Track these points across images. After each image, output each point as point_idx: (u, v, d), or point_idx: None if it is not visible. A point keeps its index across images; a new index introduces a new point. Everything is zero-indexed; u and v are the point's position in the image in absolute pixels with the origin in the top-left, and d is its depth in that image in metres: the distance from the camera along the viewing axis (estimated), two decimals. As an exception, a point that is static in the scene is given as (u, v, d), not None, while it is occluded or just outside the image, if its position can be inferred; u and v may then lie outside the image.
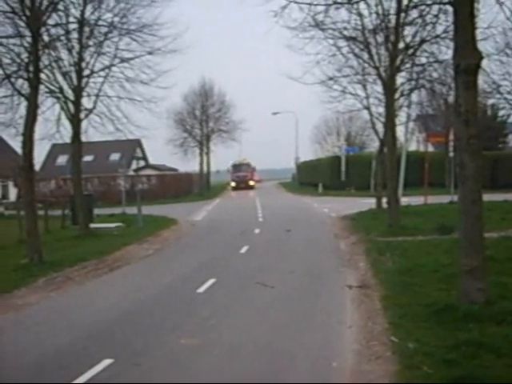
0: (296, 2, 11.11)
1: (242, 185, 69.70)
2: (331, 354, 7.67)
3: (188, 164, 71.26)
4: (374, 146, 49.77)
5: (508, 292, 9.61)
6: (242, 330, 8.98)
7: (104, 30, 22.08)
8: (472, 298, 8.64)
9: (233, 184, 70.64)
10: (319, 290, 11.82)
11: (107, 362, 7.50)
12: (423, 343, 7.35)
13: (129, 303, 11.27)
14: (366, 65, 23.21)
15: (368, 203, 30.29)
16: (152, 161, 68.07)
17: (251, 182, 71.02)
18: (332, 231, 22.72)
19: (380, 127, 25.80)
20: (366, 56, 22.23)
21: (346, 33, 20.88)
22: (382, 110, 24.00)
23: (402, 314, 8.79)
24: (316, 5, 11.94)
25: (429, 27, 19.30)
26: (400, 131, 31.33)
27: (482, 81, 31.45)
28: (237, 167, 72.01)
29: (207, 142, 63.82)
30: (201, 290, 12.11)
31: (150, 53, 22.59)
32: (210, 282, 12.83)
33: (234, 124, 64.75)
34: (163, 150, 66.04)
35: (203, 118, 63.60)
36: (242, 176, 70.95)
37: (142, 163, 65.03)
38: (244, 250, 18.16)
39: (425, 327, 8.08)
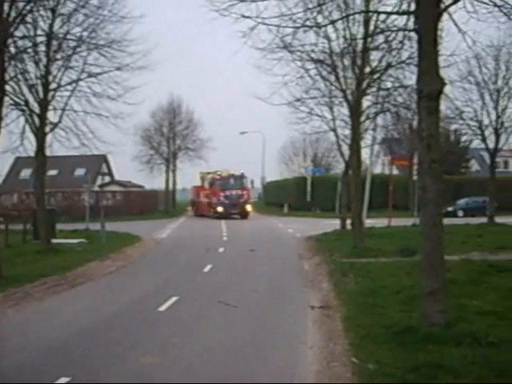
0: (264, 24, 11.21)
1: (235, 210, 47.90)
2: (291, 375, 7.64)
3: (154, 181, 69.13)
4: (339, 167, 50.09)
5: (468, 314, 9.74)
6: (203, 349, 8.90)
7: (72, 44, 21.91)
8: (432, 319, 8.73)
9: (220, 209, 47.65)
10: (282, 310, 11.81)
11: (64, 380, 7.34)
12: (383, 364, 7.38)
13: (88, 320, 11.07)
14: (332, 87, 23.50)
15: (333, 224, 30.49)
16: (118, 177, 67.40)
17: (248, 207, 49.31)
18: (296, 251, 22.79)
19: (346, 149, 26.05)
20: (333, 79, 22.52)
21: (313, 55, 21.21)
22: (348, 132, 24.28)
23: (364, 335, 8.82)
24: (284, 27, 12.04)
25: (394, 53, 19.69)
26: (365, 154, 31.72)
27: (445, 107, 32.22)
28: (225, 182, 48.88)
29: (174, 159, 63.60)
30: (162, 308, 11.99)
31: (118, 68, 22.51)
32: (173, 300, 12.70)
33: (202, 142, 64.62)
34: (129, 167, 65.57)
35: (170, 135, 63.43)
36: (235, 196, 48.22)
37: (107, 179, 64.51)
38: (207, 268, 18.08)
39: (385, 348, 8.11)
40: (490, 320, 9.37)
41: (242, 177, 50.35)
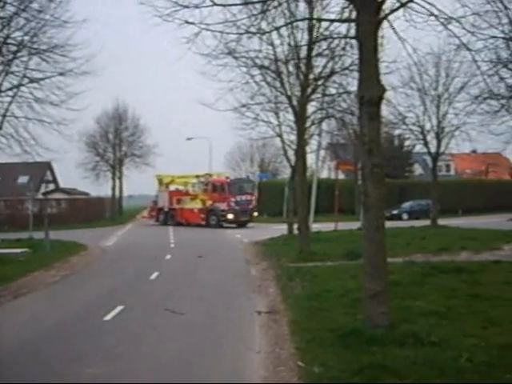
0: (208, 30, 11.22)
1: (245, 218, 43.70)
2: (239, 381, 7.65)
3: (100, 188, 67.30)
4: (286, 172, 50.13)
5: (411, 315, 9.95)
6: (150, 358, 8.81)
7: (13, 48, 21.40)
8: (376, 321, 8.88)
9: (230, 216, 42.81)
10: (229, 316, 11.81)
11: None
12: (329, 367, 7.46)
13: (32, 332, 10.79)
14: (278, 93, 23.68)
15: (280, 229, 30.68)
16: (63, 184, 66.14)
17: (255, 214, 45.19)
18: (244, 257, 22.83)
19: (292, 154, 26.28)
20: (278, 85, 22.70)
21: (258, 61, 21.32)
22: (293, 137, 24.50)
23: (309, 339, 8.90)
24: (228, 33, 12.10)
25: (338, 59, 20.00)
26: (311, 159, 32.13)
27: (388, 112, 32.97)
28: (236, 187, 44.37)
29: (120, 166, 62.68)
30: (108, 317, 11.80)
31: (61, 74, 22.08)
32: (118, 309, 12.52)
33: (148, 148, 63.90)
34: (74, 174, 64.34)
35: (116, 141, 62.49)
36: (245, 202, 43.79)
37: (51, 186, 63.19)
38: (154, 276, 17.90)
39: (331, 351, 8.21)
40: (432, 320, 9.60)
41: (250, 181, 49.43)
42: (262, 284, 15.84)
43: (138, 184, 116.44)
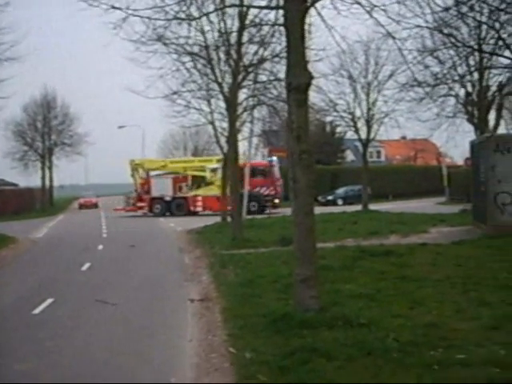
0: (135, 15, 11.02)
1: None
2: (170, 369, 7.64)
3: (29, 179, 65.26)
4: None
5: (341, 298, 10.16)
6: (81, 350, 8.67)
7: None
8: (306, 305, 9.02)
9: (277, 201, 41.20)
10: (161, 305, 11.74)
11: None
12: (260, 352, 7.54)
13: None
14: (209, 80, 23.56)
15: (214, 217, 30.68)
16: (-11, 175, 63.89)
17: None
18: (177, 245, 22.72)
19: (224, 142, 26.25)
20: (208, 72, 22.58)
21: (188, 48, 21.10)
22: (225, 125, 24.44)
23: (241, 325, 8.96)
24: (156, 19, 11.92)
25: (268, 46, 20.07)
26: (244, 146, 32.17)
27: (319, 99, 33.37)
28: (278, 170, 42.21)
29: (50, 155, 61.06)
30: (37, 310, 11.50)
31: (-17, 60, 21.28)
32: (48, 301, 12.21)
33: (79, 137, 62.48)
34: (1, 164, 62.24)
35: (45, 130, 60.81)
36: (281, 187, 41.78)
37: (-24, 178, 60.97)
38: (86, 267, 17.57)
39: (263, 337, 8.29)
40: (361, 302, 9.83)
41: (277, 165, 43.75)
42: (195, 272, 15.82)
43: (70, 174, 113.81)
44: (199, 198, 41.53)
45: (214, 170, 41.34)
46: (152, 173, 44.94)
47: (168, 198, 42.31)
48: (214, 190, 39.24)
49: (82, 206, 62.59)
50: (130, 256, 20.21)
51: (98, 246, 23.51)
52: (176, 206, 41.95)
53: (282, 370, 6.87)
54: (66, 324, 10.47)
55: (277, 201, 41.37)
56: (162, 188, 42.69)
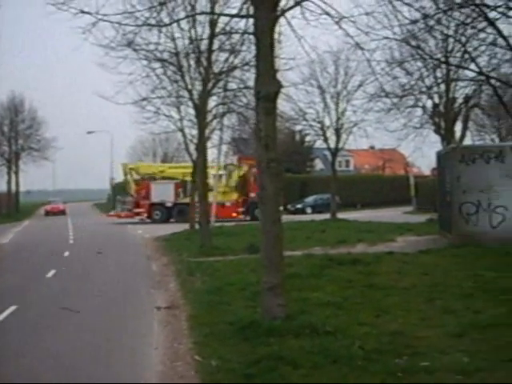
0: (105, 20, 10.92)
1: None
2: (135, 377, 7.55)
3: None
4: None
5: (308, 306, 10.20)
6: (44, 359, 8.51)
7: None
8: (274, 313, 9.02)
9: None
10: (128, 313, 11.62)
11: None
12: (226, 360, 7.53)
13: None
14: (179, 87, 23.50)
15: (183, 224, 30.54)
16: (-48, 180, 62.59)
17: None
18: (144, 253, 22.55)
19: (193, 149, 26.18)
20: (178, 78, 22.53)
21: (158, 54, 21.03)
22: (195, 132, 24.40)
23: (208, 333, 8.94)
24: (125, 25, 11.82)
25: (238, 54, 20.12)
26: (213, 153, 32.14)
27: (289, 108, 33.56)
28: None
29: (16, 160, 60.11)
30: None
31: None
32: (11, 309, 11.96)
33: (47, 142, 61.63)
34: (-35, 168, 60.91)
35: (12, 134, 59.87)
36: None
37: None
38: (51, 273, 17.30)
39: (229, 344, 8.28)
40: (328, 311, 9.89)
41: None
42: (162, 279, 15.71)
43: (37, 179, 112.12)
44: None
45: (217, 177, 38.94)
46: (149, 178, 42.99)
47: (169, 204, 40.89)
48: (217, 197, 37.07)
49: (48, 213, 60.98)
50: (97, 263, 19.99)
51: (65, 252, 23.19)
52: (178, 212, 40.22)
53: (247, 378, 6.87)
54: (30, 332, 10.28)
55: (281, 208, 39.75)
56: (163, 193, 40.91)
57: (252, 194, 39.28)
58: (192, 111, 23.67)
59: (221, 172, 38.60)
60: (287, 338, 8.25)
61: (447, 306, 10.06)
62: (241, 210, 40.15)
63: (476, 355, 7.32)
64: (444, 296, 10.94)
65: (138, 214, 41.18)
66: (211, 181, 38.79)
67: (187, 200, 38.82)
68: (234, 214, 39.52)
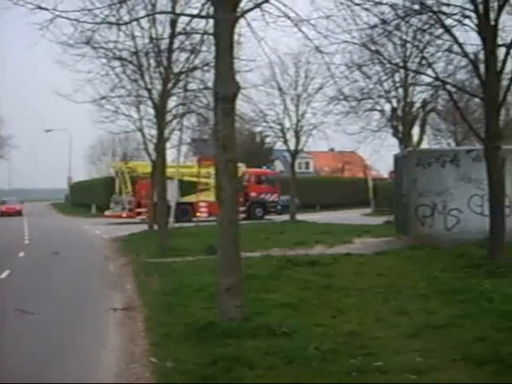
0: (62, 17, 10.75)
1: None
2: (89, 380, 7.46)
3: None
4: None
5: (265, 307, 10.25)
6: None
7: None
8: (231, 315, 9.03)
9: (279, 207, 43.72)
10: (83, 315, 11.44)
11: None
12: (182, 361, 7.49)
13: None
14: (138, 86, 23.27)
15: (142, 225, 30.31)
16: None
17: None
18: (102, 253, 22.27)
19: (153, 149, 25.98)
20: (138, 78, 22.32)
21: (118, 53, 20.80)
22: (155, 132, 24.18)
23: (164, 335, 8.88)
24: (83, 22, 11.64)
25: (197, 55, 20.07)
26: (173, 154, 31.98)
27: (250, 109, 33.64)
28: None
29: (-31, 158, 58.87)
30: (-51, 321, 11.01)
31: None
32: (-38, 311, 11.73)
33: (2, 140, 60.52)
34: None
35: (-36, 131, 58.64)
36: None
37: None
38: (5, 274, 16.89)
39: (185, 346, 8.25)
40: (285, 312, 9.95)
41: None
42: (119, 280, 15.55)
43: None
44: (204, 204, 40.24)
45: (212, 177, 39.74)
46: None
47: (172, 204, 39.34)
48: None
49: (3, 214, 58.99)
50: (53, 263, 19.63)
51: (19, 252, 22.70)
52: (181, 212, 38.89)
53: (203, 379, 6.85)
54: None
55: (279, 207, 43.12)
56: (168, 193, 40.29)
57: (253, 194, 42.12)
58: (151, 111, 23.50)
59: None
60: (244, 339, 8.26)
61: (402, 307, 10.22)
62: (242, 208, 39.48)
63: (429, 355, 7.47)
64: (399, 297, 11.12)
65: (139, 213, 39.96)
66: (211, 180, 38.80)
67: (193, 199, 40.43)
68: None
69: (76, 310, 11.90)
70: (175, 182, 38.84)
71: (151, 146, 26.20)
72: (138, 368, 7.67)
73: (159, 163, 22.17)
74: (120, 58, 21.45)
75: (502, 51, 14.49)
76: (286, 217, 38.58)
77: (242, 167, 40.14)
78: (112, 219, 40.76)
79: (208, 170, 41.01)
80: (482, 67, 14.61)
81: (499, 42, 14.38)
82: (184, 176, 40.66)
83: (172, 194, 37.51)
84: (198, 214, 40.00)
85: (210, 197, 38.60)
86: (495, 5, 14.05)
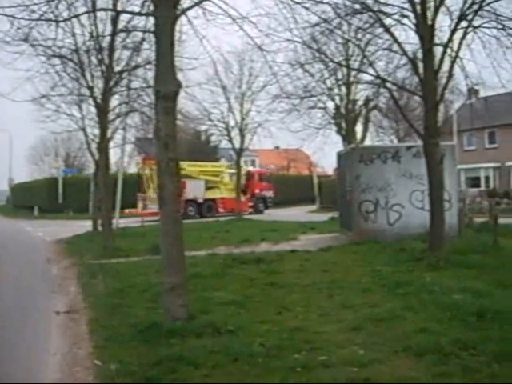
0: (-1, 14, 10.46)
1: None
2: (31, 385, 7.31)
3: None
4: (92, 167, 48.96)
5: (210, 306, 10.24)
6: None
7: None
8: (175, 314, 8.98)
9: (273, 202, 51.17)
10: (25, 318, 11.15)
11: None
12: (126, 363, 7.41)
13: None
14: (80, 85, 22.83)
15: (86, 226, 29.80)
16: None
17: None
18: (45, 255, 21.72)
19: (96, 148, 25.54)
20: (79, 76, 21.88)
21: (57, 50, 20.32)
22: (97, 131, 23.78)
23: (108, 337, 8.76)
24: (19, 18, 11.34)
25: (139, 53, 19.83)
26: (117, 153, 31.56)
27: (194, 108, 33.50)
28: None
29: None
30: None
31: None
32: None
33: None
34: None
35: None
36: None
37: None
38: None
39: (130, 347, 8.16)
40: (230, 309, 9.97)
41: None
42: (62, 283, 15.23)
43: None
44: (223, 201, 44.51)
45: (227, 176, 46.48)
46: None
47: (200, 200, 43.53)
48: (230, 193, 42.73)
49: None
50: (-7, 267, 19.10)
51: (-43, 256, 22.02)
52: (207, 208, 43.62)
53: (147, 380, 6.80)
54: None
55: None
56: (196, 190, 43.21)
57: (257, 191, 47.78)
58: (94, 110, 23.09)
59: (232, 171, 43.86)
60: (189, 339, 8.24)
61: (346, 302, 10.39)
62: (250, 204, 46.45)
63: (371, 347, 7.62)
64: (343, 292, 11.30)
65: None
66: (226, 178, 46.28)
67: (215, 196, 44.76)
68: (247, 208, 44.61)
69: (17, 314, 11.59)
70: (202, 181, 43.79)
71: (94, 146, 25.73)
72: (81, 372, 7.55)
73: (102, 163, 21.82)
74: (60, 56, 20.94)
75: (439, 50, 14.90)
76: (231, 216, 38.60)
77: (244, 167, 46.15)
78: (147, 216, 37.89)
79: (217, 169, 47.11)
80: (420, 66, 14.94)
81: (436, 41, 14.76)
82: (201, 174, 44.47)
83: (200, 191, 42.98)
84: (221, 210, 43.92)
85: (224, 194, 44.35)
86: (432, 5, 14.41)
